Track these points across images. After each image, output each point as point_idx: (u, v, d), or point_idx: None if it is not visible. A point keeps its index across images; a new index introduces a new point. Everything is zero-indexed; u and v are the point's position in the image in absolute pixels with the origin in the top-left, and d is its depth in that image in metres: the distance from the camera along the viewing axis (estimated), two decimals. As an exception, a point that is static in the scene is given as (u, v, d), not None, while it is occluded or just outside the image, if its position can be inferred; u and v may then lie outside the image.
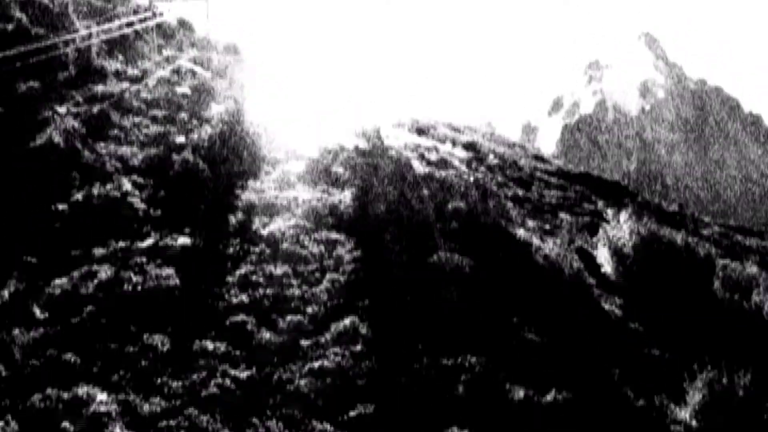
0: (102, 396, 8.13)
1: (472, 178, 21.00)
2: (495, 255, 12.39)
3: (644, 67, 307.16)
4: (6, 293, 9.88)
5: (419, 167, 20.77)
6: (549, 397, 8.73)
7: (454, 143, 29.07)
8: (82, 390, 8.09)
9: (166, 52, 23.30)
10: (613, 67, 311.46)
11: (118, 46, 21.90)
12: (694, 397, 9.63)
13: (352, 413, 8.41)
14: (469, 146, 29.13)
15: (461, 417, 8.38)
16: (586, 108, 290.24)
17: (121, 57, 21.21)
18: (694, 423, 9.42)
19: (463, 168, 24.41)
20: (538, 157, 36.32)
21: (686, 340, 11.09)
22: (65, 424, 7.56)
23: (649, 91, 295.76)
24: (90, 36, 19.30)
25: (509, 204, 18.40)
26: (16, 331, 9.10)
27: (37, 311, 9.61)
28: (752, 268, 14.91)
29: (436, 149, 26.21)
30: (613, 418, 8.85)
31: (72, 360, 8.68)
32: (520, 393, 8.74)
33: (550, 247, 13.27)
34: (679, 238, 13.20)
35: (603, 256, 13.31)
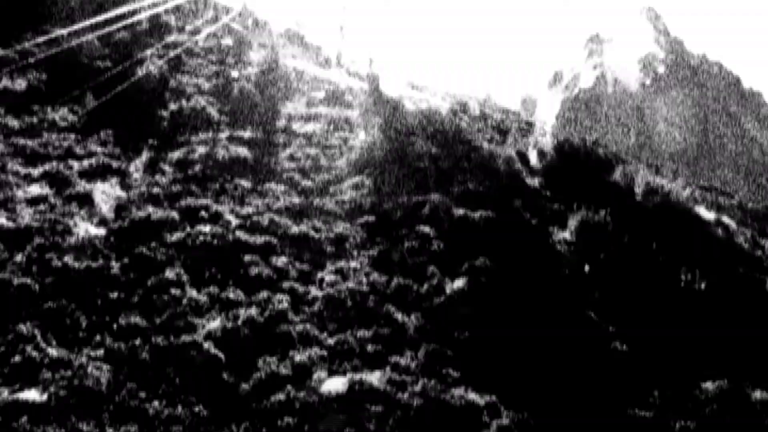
0: (216, 205, 14.11)
1: (454, 122, 26.81)
2: (454, 148, 18.31)
3: (645, 41, 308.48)
4: (144, 157, 15.82)
5: (409, 106, 26.56)
6: (477, 214, 14.70)
7: (444, 99, 34.71)
8: (205, 201, 14.07)
9: (209, 14, 29.03)
10: (613, 41, 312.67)
11: (173, 8, 27.63)
12: (571, 224, 15.63)
13: (361, 220, 14.39)
14: (458, 103, 34.70)
15: (425, 222, 14.37)
16: (586, 82, 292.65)
17: (175, 16, 26.97)
18: (570, 238, 15.41)
19: (450, 116, 30.18)
20: (528, 123, 41.43)
21: (578, 199, 17.02)
22: (202, 213, 13.55)
23: (649, 65, 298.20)
24: (158, 3, 24.99)
25: (478, 130, 24.18)
26: (158, 176, 15.07)
27: (166, 167, 15.57)
28: (645, 171, 20.87)
29: (427, 100, 31.92)
30: (516, 229, 14.82)
31: (193, 189, 14.65)
32: (461, 211, 14.73)
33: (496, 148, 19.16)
34: (583, 144, 19.07)
35: (532, 154, 19.23)
